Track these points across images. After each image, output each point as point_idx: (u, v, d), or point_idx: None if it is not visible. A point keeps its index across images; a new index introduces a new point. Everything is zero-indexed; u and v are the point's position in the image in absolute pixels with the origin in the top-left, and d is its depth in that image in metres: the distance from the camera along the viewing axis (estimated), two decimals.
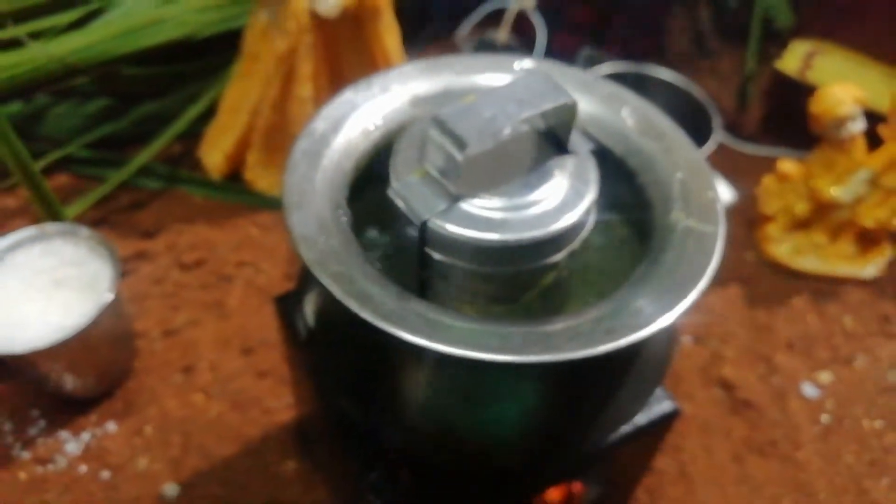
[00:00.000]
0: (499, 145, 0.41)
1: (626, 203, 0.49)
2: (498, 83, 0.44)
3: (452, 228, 0.41)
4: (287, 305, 0.64)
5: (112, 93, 1.03)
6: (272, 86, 0.92)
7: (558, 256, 0.44)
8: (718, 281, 0.97)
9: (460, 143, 0.40)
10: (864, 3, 1.04)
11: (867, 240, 0.98)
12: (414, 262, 0.44)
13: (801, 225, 0.98)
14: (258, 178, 1.02)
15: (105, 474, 0.76)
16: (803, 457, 0.82)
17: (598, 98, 0.52)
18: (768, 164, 1.00)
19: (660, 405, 0.59)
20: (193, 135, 1.07)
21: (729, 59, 1.33)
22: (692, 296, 0.40)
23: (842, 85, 0.88)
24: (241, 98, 0.97)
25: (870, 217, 0.92)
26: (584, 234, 0.45)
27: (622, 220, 0.51)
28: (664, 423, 0.60)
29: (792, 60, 1.07)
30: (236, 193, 1.03)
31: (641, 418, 0.58)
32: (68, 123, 1.05)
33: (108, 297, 0.74)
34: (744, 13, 1.29)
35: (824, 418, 0.85)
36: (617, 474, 0.63)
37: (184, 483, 0.76)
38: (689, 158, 0.48)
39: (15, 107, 1.03)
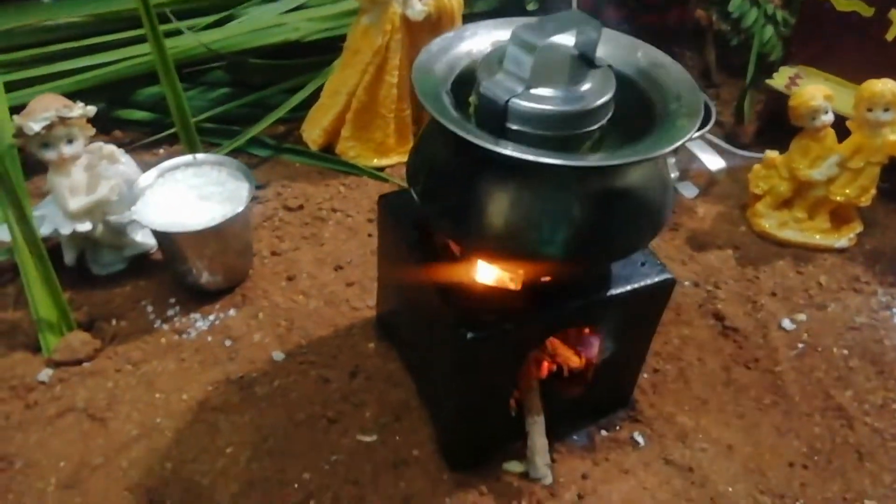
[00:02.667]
0: (552, 54, 0.62)
1: (640, 104, 0.69)
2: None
3: (527, 104, 0.61)
4: (386, 199, 0.84)
5: (238, 80, 1.27)
6: (368, 72, 1.15)
7: (595, 125, 0.63)
8: (716, 245, 1.16)
9: (530, 47, 0.60)
10: (835, 42, 1.25)
11: (840, 217, 1.15)
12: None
13: (784, 203, 1.16)
14: (349, 149, 1.24)
15: (228, 342, 0.95)
16: (781, 370, 0.97)
17: (623, 45, 0.72)
18: (751, 164, 1.20)
19: (661, 275, 0.77)
20: (295, 119, 1.30)
21: (729, 88, 1.55)
22: (682, 140, 0.59)
23: (814, 85, 1.08)
24: (340, 84, 1.20)
25: (840, 194, 1.10)
26: (609, 113, 0.64)
27: (637, 113, 0.70)
28: (663, 290, 0.78)
29: (780, 79, 1.28)
30: (329, 162, 1.25)
31: (646, 280, 0.76)
32: (198, 104, 1.29)
33: (242, 207, 0.94)
34: (743, 52, 1.52)
35: (799, 345, 1.01)
36: (628, 328, 0.80)
37: (288, 352, 0.94)
38: (682, 78, 0.68)
39: (153, 90, 1.27)
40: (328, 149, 1.27)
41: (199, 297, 1.00)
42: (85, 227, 0.94)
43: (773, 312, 1.05)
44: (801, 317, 1.05)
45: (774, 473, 0.86)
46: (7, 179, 0.86)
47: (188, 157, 1.00)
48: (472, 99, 0.65)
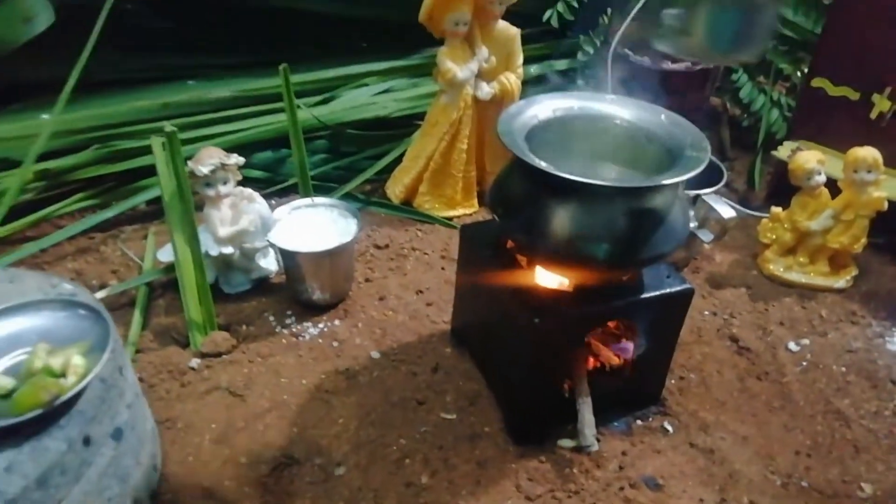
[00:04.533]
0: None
1: (663, 150, 0.91)
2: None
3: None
4: (466, 229, 1.06)
5: (335, 147, 1.54)
6: (444, 140, 1.41)
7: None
8: (731, 284, 1.35)
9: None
10: (829, 120, 1.48)
11: (838, 262, 1.34)
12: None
13: (789, 250, 1.35)
14: (424, 202, 1.48)
15: (335, 344, 1.16)
16: (787, 381, 1.14)
17: (649, 110, 0.96)
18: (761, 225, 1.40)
19: (682, 285, 0.97)
20: (380, 179, 1.56)
21: (742, 161, 1.77)
22: (696, 171, 0.81)
23: (809, 152, 1.29)
24: (420, 150, 1.46)
25: (836, 242, 1.30)
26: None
27: (660, 158, 0.92)
28: (684, 297, 0.97)
29: (784, 151, 1.50)
30: (408, 213, 1.49)
31: (670, 288, 0.96)
32: None
33: (349, 238, 1.18)
34: (752, 132, 1.75)
35: (804, 363, 1.18)
36: (657, 329, 0.99)
37: (383, 352, 1.15)
38: (694, 132, 0.90)
39: (266, 154, 1.55)
40: (407, 203, 1.51)
41: (311, 311, 1.22)
42: (228, 250, 1.18)
43: (781, 337, 1.22)
44: (805, 341, 1.22)
45: (782, 459, 1.01)
46: (188, 211, 1.11)
47: (308, 200, 1.25)
48: None
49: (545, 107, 0.96)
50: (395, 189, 1.51)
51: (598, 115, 0.95)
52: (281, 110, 1.49)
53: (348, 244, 1.17)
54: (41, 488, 0.67)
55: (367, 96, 1.56)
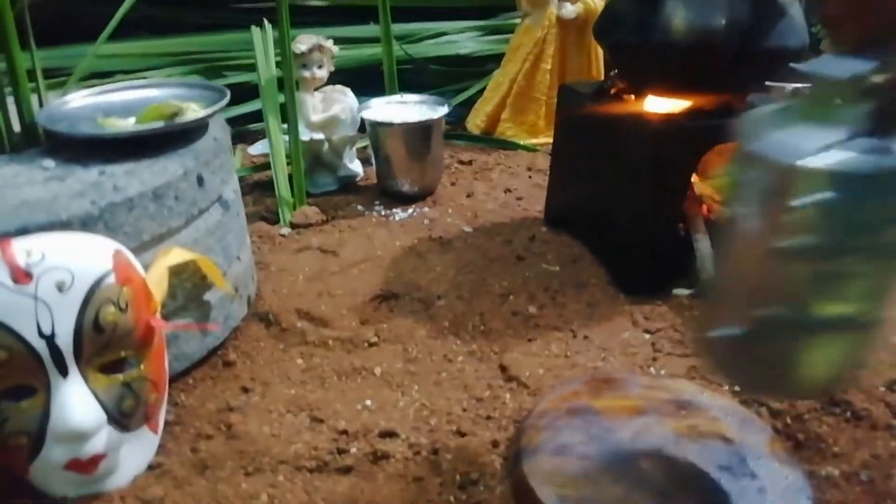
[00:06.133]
0: None
1: None
2: None
3: None
4: (566, 87, 1.05)
5: (419, 81, 1.57)
6: (528, 60, 1.43)
7: None
8: None
9: None
10: None
11: None
12: None
13: None
14: (506, 129, 1.48)
15: (426, 221, 1.13)
16: None
17: None
18: None
19: None
20: (459, 115, 1.57)
21: None
22: None
23: None
24: (503, 76, 1.47)
25: None
26: None
27: None
28: None
29: None
30: (490, 142, 1.48)
31: None
32: None
33: (440, 114, 1.18)
34: None
35: None
36: None
37: (475, 228, 1.11)
38: None
39: None
40: (488, 133, 1.51)
41: (400, 201, 1.20)
42: (319, 135, 1.19)
43: None
44: None
45: None
46: (291, 99, 1.13)
47: (398, 96, 1.26)
48: None
49: None
50: (476, 120, 1.52)
51: None
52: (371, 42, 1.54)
53: (438, 120, 1.16)
54: (157, 201, 0.65)
55: (448, 38, 1.61)
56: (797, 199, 0.44)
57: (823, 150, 0.43)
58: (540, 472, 0.59)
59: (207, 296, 0.74)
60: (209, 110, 0.72)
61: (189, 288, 0.71)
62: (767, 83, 0.78)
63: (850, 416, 0.72)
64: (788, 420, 0.70)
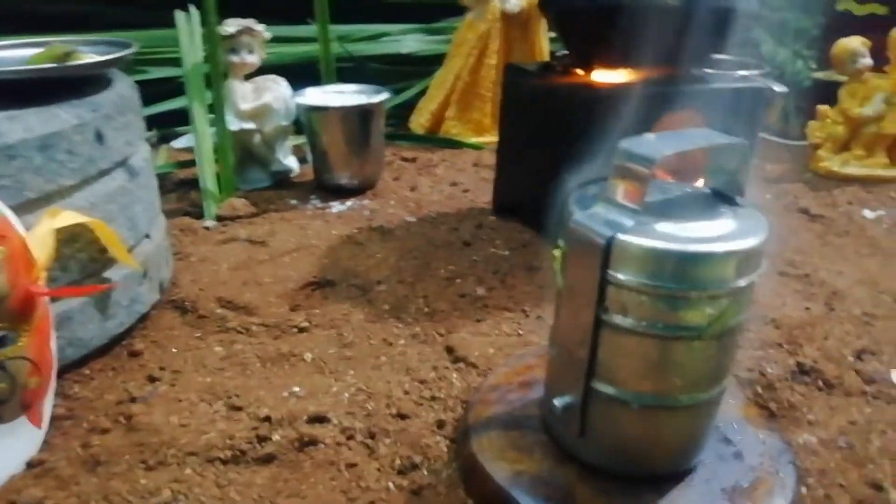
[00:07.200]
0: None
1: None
2: None
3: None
4: (512, 66, 1.01)
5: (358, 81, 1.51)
6: (472, 55, 1.39)
7: None
8: (788, 182, 1.26)
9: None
10: None
11: (895, 153, 1.27)
12: None
13: (842, 147, 1.29)
14: (451, 128, 1.43)
15: (366, 213, 1.06)
16: (872, 235, 1.03)
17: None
18: (803, 150, 1.36)
19: (761, 83, 0.90)
20: (401, 116, 1.51)
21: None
22: None
23: (849, 38, 1.27)
24: (447, 72, 1.43)
25: (892, 126, 1.24)
26: None
27: None
28: (760, 93, 0.90)
29: (823, 75, 1.48)
30: (435, 141, 1.43)
31: (745, 83, 0.89)
32: None
33: (380, 98, 1.12)
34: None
35: (884, 225, 1.07)
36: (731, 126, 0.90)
37: (419, 218, 1.04)
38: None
39: None
40: (433, 133, 1.46)
41: (337, 194, 1.13)
42: (249, 125, 1.11)
43: (854, 209, 1.13)
44: (881, 211, 1.12)
45: (888, 285, 0.89)
46: (217, 84, 1.06)
47: (337, 86, 1.20)
48: None
49: None
50: (420, 119, 1.47)
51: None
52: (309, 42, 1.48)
53: (378, 104, 1.10)
54: (44, 153, 0.56)
55: (389, 38, 1.56)
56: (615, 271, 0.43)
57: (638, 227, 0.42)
58: (491, 448, 0.52)
59: (109, 273, 0.65)
60: (109, 56, 0.64)
61: (85, 261, 0.62)
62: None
63: (822, 384, 0.67)
64: (759, 389, 0.65)
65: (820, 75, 1.49)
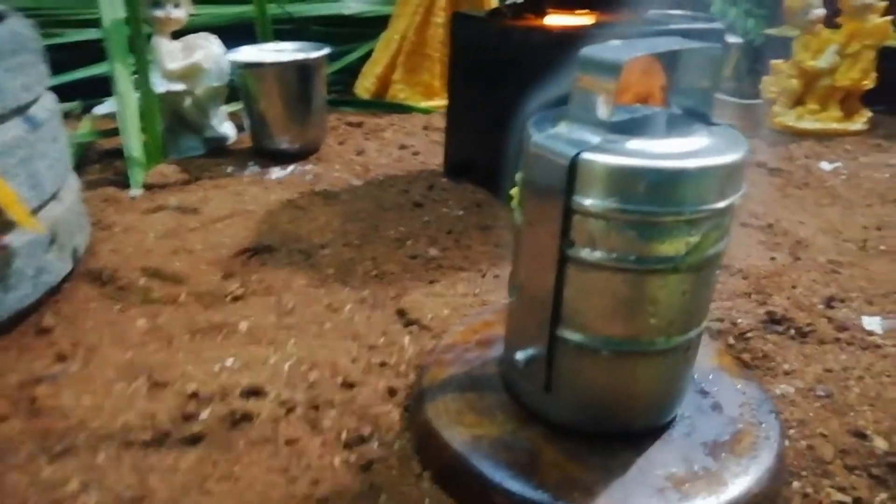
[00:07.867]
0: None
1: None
2: None
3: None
4: (458, 14, 0.94)
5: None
6: (418, 14, 1.32)
7: None
8: (746, 138, 1.24)
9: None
10: None
11: (850, 108, 1.25)
12: None
13: (797, 101, 1.27)
14: (398, 92, 1.36)
15: (309, 177, 0.99)
16: (831, 185, 1.01)
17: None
18: (757, 108, 1.34)
19: (712, 23, 0.86)
20: (345, 81, 1.43)
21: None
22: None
23: None
24: (393, 32, 1.36)
25: (845, 79, 1.22)
26: None
27: None
28: (715, 35, 0.86)
29: (778, 31, 1.46)
30: (382, 106, 1.36)
31: (699, 23, 0.85)
32: None
33: (320, 53, 1.04)
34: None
35: (842, 176, 1.05)
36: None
37: (367, 181, 0.98)
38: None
39: None
40: (379, 97, 1.39)
41: (277, 160, 1.05)
42: (178, 86, 1.02)
43: (811, 162, 1.11)
44: (838, 163, 1.11)
45: (851, 233, 0.86)
46: (140, 46, 0.96)
47: (272, 44, 1.12)
48: None
49: None
50: (366, 83, 1.39)
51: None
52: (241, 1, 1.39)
53: (318, 60, 1.03)
54: None
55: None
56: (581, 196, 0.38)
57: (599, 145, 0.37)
58: (447, 413, 0.47)
59: (7, 238, 0.57)
60: None
61: None
62: None
63: (795, 333, 0.64)
64: (731, 340, 0.62)
65: (772, 31, 1.47)
